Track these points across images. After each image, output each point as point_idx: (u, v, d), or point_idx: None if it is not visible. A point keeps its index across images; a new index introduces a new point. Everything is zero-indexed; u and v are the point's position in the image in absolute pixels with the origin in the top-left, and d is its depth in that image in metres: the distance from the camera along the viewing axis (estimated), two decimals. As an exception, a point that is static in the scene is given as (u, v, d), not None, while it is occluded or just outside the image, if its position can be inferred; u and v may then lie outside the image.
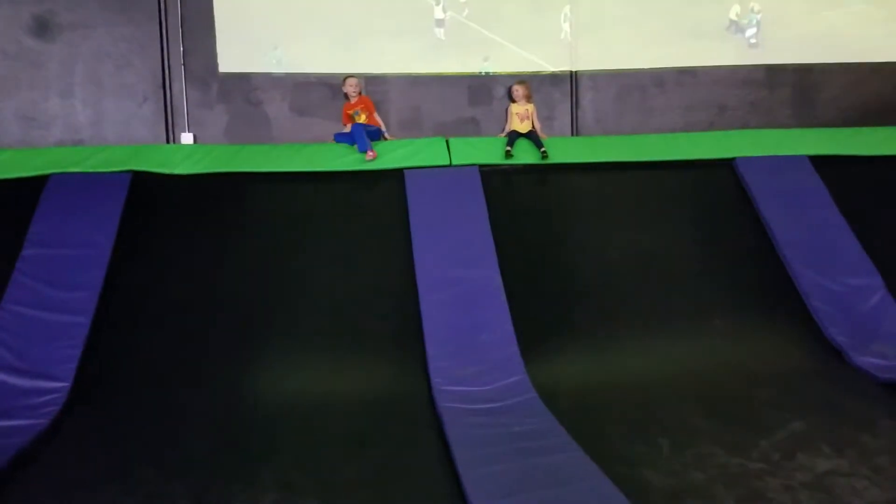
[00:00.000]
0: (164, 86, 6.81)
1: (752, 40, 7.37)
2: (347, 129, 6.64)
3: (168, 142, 6.80)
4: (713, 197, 6.46)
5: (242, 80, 6.93)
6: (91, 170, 6.12)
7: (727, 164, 6.67)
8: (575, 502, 3.26)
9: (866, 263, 5.74)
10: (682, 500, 3.39)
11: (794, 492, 3.44)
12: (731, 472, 3.63)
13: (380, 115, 6.80)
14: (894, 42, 7.46)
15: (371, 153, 6.38)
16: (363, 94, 6.77)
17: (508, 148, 6.53)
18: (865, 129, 7.07)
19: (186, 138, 6.79)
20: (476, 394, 4.59)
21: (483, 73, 7.17)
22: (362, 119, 6.62)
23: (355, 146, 6.47)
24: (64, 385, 4.56)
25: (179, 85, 6.83)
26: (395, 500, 3.47)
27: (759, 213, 6.21)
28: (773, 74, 7.43)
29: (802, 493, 3.42)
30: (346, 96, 6.72)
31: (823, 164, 6.56)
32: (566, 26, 7.24)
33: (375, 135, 6.61)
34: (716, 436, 4.03)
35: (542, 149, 6.55)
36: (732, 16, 7.34)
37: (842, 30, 7.40)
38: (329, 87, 7.02)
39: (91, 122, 6.79)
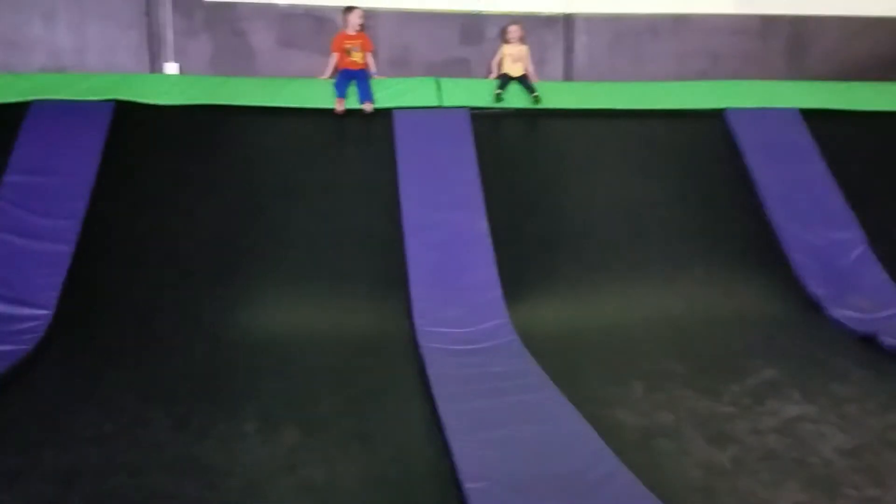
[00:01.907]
0: (149, 13, 6.64)
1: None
2: (333, 59, 6.44)
3: (152, 71, 6.66)
4: (702, 148, 6.44)
5: (228, 9, 6.74)
6: (74, 98, 6.02)
7: (718, 115, 6.63)
8: (548, 440, 3.34)
9: (849, 218, 5.80)
10: (651, 438, 3.48)
11: (762, 435, 3.53)
12: (701, 415, 3.72)
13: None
14: (890, -4, 7.37)
15: (340, 106, 6.21)
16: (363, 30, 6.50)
17: (498, 91, 6.46)
18: (857, 84, 7.03)
19: (171, 68, 6.65)
20: (458, 335, 4.65)
21: (475, 13, 7.02)
22: (358, 57, 6.44)
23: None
24: (46, 312, 4.57)
25: (164, 13, 6.65)
26: (374, 432, 3.54)
27: (746, 165, 6.21)
28: (768, 25, 7.33)
29: (770, 437, 3.51)
30: (346, 25, 6.44)
31: (814, 118, 6.54)
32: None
33: (367, 82, 6.39)
34: (689, 380, 4.12)
35: (535, 93, 6.47)
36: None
37: (839, -19, 7.30)
38: (316, 20, 6.84)
39: (74, 48, 6.62)
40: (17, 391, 3.84)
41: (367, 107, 6.27)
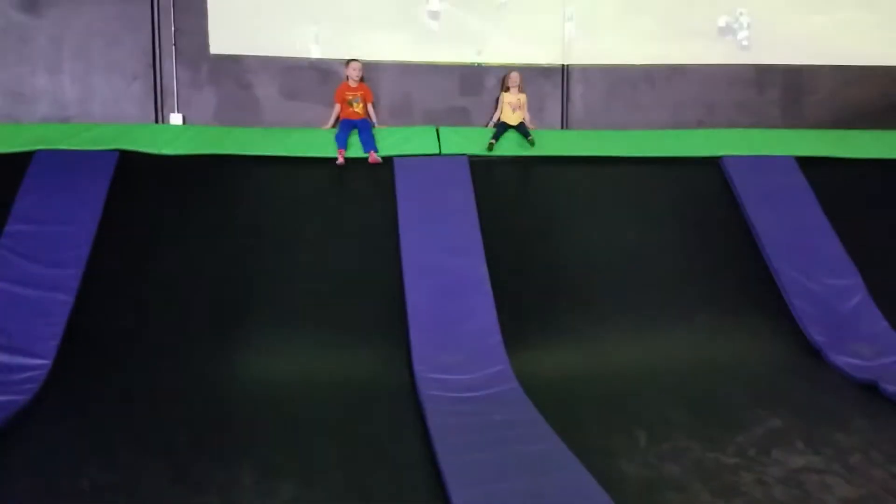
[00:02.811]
0: (154, 65, 6.76)
1: (744, 42, 7.39)
2: (336, 110, 6.60)
3: (157, 122, 6.75)
4: (699, 194, 6.50)
5: (233, 62, 6.89)
6: (78, 147, 6.08)
7: (714, 163, 6.71)
8: (551, 492, 3.29)
9: (847, 264, 5.81)
10: (657, 492, 3.43)
11: (768, 487, 3.49)
12: (706, 466, 3.68)
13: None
14: (883, 46, 7.52)
15: (341, 158, 6.31)
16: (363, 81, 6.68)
17: (492, 141, 6.54)
18: (852, 132, 7.14)
19: (175, 119, 6.74)
20: (458, 382, 4.62)
21: (475, 64, 7.17)
22: (359, 107, 6.57)
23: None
24: (45, 362, 4.54)
25: (169, 65, 6.77)
26: (373, 484, 3.49)
27: (744, 211, 6.26)
28: (763, 74, 7.48)
29: (776, 488, 3.47)
30: (347, 78, 6.65)
31: (810, 165, 6.62)
32: (559, 20, 7.23)
33: (370, 132, 6.51)
34: (692, 430, 4.08)
35: (529, 136, 6.55)
36: (721, 23, 7.37)
37: (831, 32, 7.44)
38: (320, 72, 6.98)
39: (79, 99, 6.73)
40: (15, 442, 3.79)
41: (373, 157, 6.33)
